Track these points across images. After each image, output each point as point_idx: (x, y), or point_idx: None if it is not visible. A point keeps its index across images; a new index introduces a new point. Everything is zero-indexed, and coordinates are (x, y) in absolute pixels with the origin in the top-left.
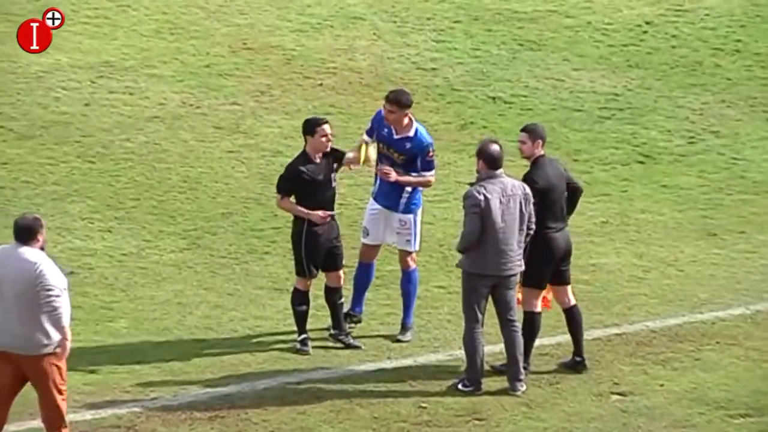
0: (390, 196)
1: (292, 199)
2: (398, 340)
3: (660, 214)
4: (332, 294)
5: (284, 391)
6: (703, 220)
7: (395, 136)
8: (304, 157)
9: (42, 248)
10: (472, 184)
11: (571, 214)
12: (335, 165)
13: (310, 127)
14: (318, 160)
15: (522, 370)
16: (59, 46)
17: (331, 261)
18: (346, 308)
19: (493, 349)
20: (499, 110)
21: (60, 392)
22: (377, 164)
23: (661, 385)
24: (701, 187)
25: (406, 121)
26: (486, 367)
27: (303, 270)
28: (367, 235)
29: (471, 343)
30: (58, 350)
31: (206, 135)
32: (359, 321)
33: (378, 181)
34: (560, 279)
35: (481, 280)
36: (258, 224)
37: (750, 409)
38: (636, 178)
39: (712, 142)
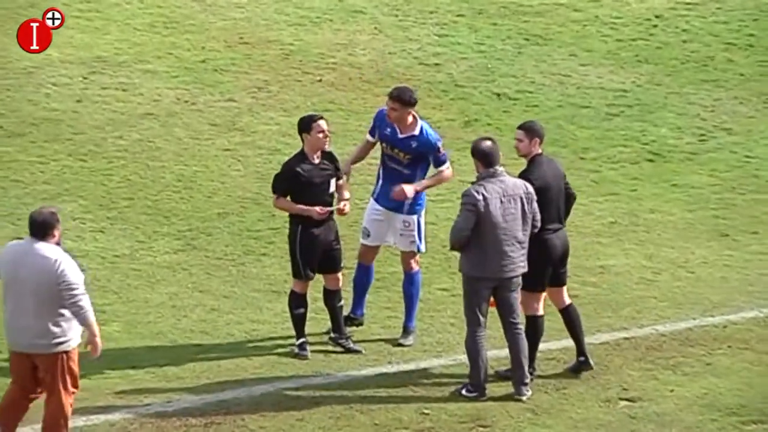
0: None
1: (288, 198)
2: (400, 344)
3: (670, 214)
4: (331, 297)
5: (282, 397)
6: (714, 221)
7: (400, 136)
8: (301, 157)
9: (58, 243)
10: (472, 183)
11: (564, 221)
12: (336, 171)
13: (306, 125)
14: (316, 160)
15: (527, 374)
16: None
17: (329, 263)
18: (346, 311)
19: (497, 353)
20: (504, 107)
21: (68, 393)
22: (380, 166)
23: (672, 391)
24: (713, 186)
25: (410, 119)
26: (490, 371)
27: (299, 272)
28: (368, 236)
29: (473, 348)
30: (72, 349)
31: (201, 132)
32: (360, 324)
33: (380, 182)
34: (557, 280)
35: (483, 283)
36: (255, 225)
37: (763, 415)
38: (645, 177)
39: (724, 140)
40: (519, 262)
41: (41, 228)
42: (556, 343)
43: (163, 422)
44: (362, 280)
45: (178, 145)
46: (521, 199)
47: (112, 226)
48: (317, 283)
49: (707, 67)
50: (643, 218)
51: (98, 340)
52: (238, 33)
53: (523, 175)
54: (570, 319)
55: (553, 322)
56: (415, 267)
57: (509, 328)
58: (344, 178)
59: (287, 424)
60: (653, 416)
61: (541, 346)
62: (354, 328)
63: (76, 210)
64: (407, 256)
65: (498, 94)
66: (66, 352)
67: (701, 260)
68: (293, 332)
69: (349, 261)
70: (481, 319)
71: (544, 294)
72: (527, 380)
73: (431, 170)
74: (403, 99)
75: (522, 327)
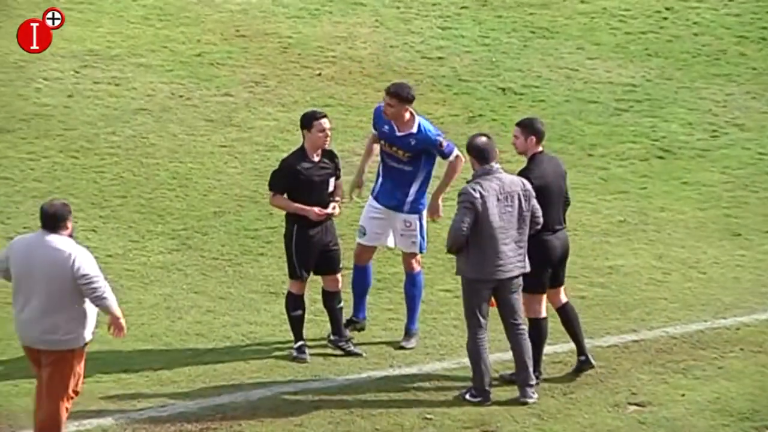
0: (394, 195)
1: (285, 196)
2: (402, 347)
3: (681, 213)
4: (330, 298)
5: (280, 402)
6: (726, 219)
7: (398, 134)
8: (300, 154)
9: (71, 235)
10: (468, 182)
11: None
12: (336, 170)
13: (307, 121)
14: (316, 158)
15: (532, 377)
16: None
17: (327, 264)
18: (348, 315)
19: (501, 357)
20: (509, 102)
21: (67, 398)
22: (380, 164)
23: (682, 395)
24: (725, 183)
25: (407, 116)
26: (495, 375)
27: (296, 272)
28: (364, 234)
29: (475, 351)
30: (80, 347)
31: (197, 128)
32: (363, 328)
33: (380, 179)
34: (555, 281)
35: (482, 284)
36: (252, 224)
37: None
38: (655, 175)
39: (736, 136)
40: (517, 262)
41: (53, 220)
42: (563, 346)
43: (157, 428)
44: (360, 282)
45: (172, 142)
46: (518, 196)
47: (105, 225)
48: (316, 285)
49: (719, 60)
50: (652, 217)
51: (122, 321)
52: (235, 25)
53: (522, 174)
54: (567, 318)
55: (559, 324)
56: (417, 268)
57: (511, 329)
58: (342, 179)
59: (285, 429)
60: (663, 421)
61: (548, 349)
62: (356, 332)
63: None
64: (408, 257)
65: (503, 89)
66: (73, 351)
67: (713, 260)
68: (291, 335)
69: (349, 261)
70: (482, 321)
71: (545, 295)
72: (532, 382)
73: (439, 162)
74: (400, 95)
75: (524, 328)
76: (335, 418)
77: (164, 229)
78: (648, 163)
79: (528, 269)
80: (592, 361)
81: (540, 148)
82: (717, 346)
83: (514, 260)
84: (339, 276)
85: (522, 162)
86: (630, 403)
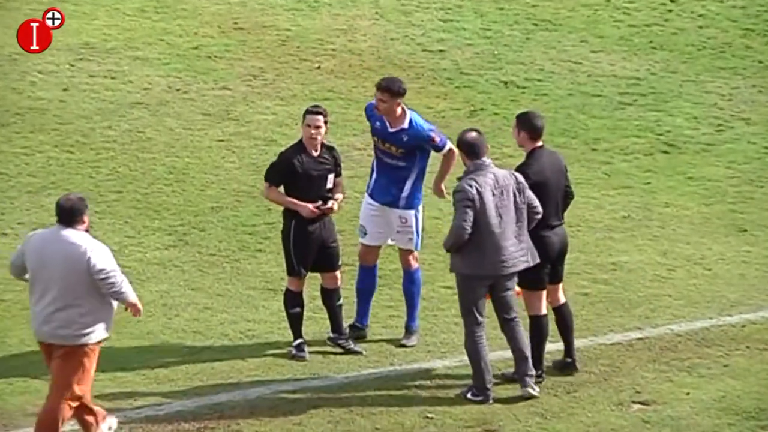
0: (389, 191)
1: (282, 190)
2: (402, 345)
3: (686, 209)
4: (329, 295)
5: (278, 401)
6: (732, 215)
7: (390, 130)
8: (299, 147)
9: (87, 230)
10: (460, 178)
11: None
12: (336, 167)
13: (304, 115)
14: (315, 153)
15: (531, 367)
16: None
17: (325, 260)
18: (351, 320)
19: (503, 354)
20: (512, 95)
21: (72, 393)
22: (374, 159)
23: (687, 394)
24: (730, 179)
25: (399, 111)
26: (496, 373)
27: (293, 269)
28: (365, 234)
29: (474, 350)
30: (93, 344)
31: (194, 122)
32: (365, 336)
33: (374, 175)
34: (554, 277)
35: (478, 281)
36: (250, 219)
37: None
38: (660, 169)
39: (742, 130)
40: (520, 257)
41: (69, 214)
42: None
43: (154, 426)
44: (366, 285)
45: (169, 136)
46: (512, 190)
47: (101, 221)
48: (315, 282)
49: (724, 53)
50: (657, 212)
51: (139, 306)
52: (233, 18)
53: (520, 169)
54: (563, 318)
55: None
56: (415, 264)
57: (505, 323)
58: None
59: (284, 428)
60: (668, 420)
61: (551, 347)
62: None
63: None
64: (405, 254)
65: (505, 83)
66: (84, 346)
67: (718, 256)
68: (290, 332)
69: (349, 257)
70: (480, 318)
71: (545, 292)
72: (531, 372)
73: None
74: (392, 89)
75: (518, 319)
76: (335, 417)
77: (161, 224)
78: (652, 157)
79: (532, 263)
80: (578, 366)
81: (540, 143)
82: (722, 343)
83: (517, 255)
84: (338, 273)
85: (524, 156)
86: (634, 402)
